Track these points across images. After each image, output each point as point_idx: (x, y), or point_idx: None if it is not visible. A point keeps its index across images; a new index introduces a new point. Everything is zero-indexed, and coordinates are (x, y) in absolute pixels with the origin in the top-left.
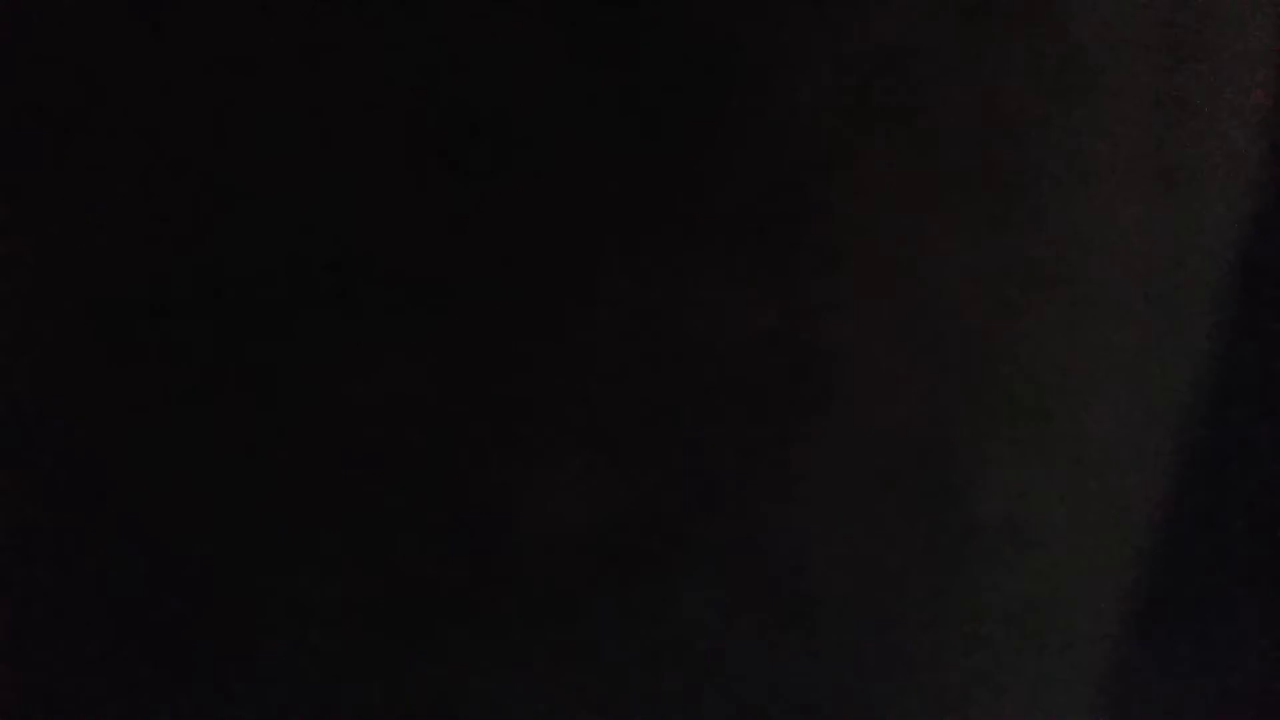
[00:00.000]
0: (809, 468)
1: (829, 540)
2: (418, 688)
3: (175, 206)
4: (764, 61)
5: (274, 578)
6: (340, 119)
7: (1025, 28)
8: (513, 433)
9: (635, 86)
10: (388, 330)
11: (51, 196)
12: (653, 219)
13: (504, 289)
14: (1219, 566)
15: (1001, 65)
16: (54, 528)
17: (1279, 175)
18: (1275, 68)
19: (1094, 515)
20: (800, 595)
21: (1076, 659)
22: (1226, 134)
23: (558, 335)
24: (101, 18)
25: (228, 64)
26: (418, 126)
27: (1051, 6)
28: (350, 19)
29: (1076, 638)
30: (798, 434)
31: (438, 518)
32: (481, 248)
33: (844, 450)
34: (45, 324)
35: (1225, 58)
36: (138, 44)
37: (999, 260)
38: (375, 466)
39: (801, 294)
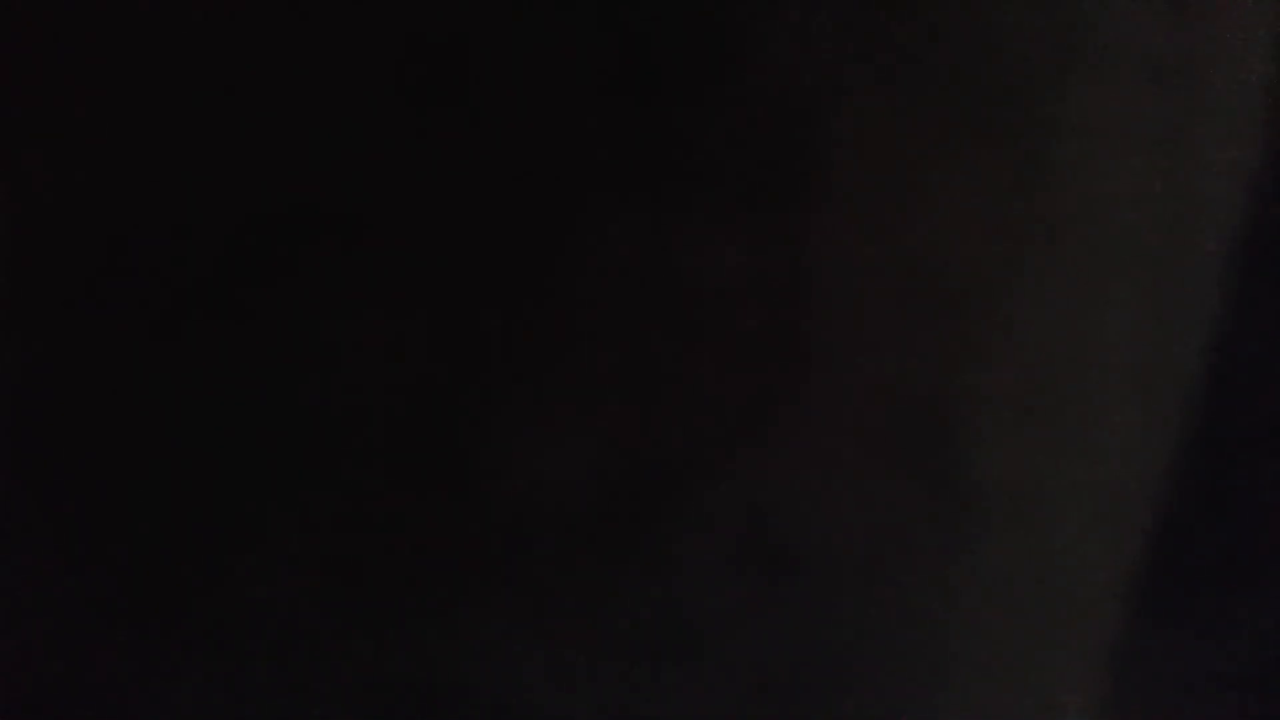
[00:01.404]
0: (801, 427)
1: (822, 502)
2: (406, 655)
3: (142, 159)
4: (757, 2)
5: (251, 545)
6: (317, 63)
7: None
8: (495, 392)
9: (618, 27)
10: (364, 286)
11: (11, 151)
12: (638, 167)
13: (482, 243)
14: (1221, 540)
15: (1003, 25)
16: (41, 510)
17: None
18: (1278, 36)
19: (1094, 484)
20: (793, 558)
21: (1073, 630)
22: (1230, 101)
23: (539, 290)
24: None
25: (193, 12)
26: (393, 72)
27: None
28: None
29: (1074, 608)
30: (790, 392)
31: (421, 481)
32: (456, 198)
33: (837, 410)
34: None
35: (1230, 24)
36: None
37: (997, 223)
38: (358, 428)
39: (795, 249)
